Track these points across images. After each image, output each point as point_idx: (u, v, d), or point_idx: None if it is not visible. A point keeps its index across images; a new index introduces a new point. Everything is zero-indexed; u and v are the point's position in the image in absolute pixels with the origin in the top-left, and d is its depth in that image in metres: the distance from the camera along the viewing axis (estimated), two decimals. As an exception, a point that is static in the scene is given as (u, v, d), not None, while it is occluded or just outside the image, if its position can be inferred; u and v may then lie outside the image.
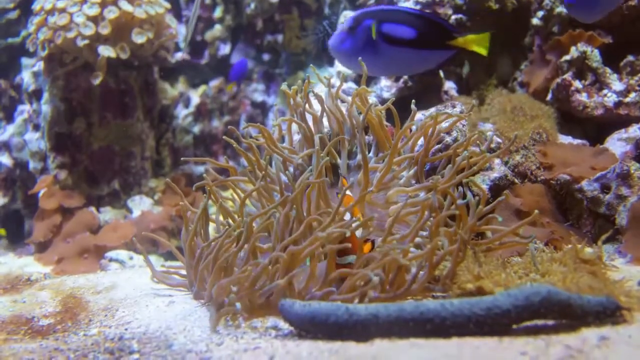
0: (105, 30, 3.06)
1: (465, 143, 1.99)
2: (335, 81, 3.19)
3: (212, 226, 2.10)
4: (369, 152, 2.18)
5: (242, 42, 3.92)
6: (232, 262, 1.74)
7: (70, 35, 3.02)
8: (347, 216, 1.70)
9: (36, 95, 3.43)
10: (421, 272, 1.60)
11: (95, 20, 3.07)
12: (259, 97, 3.88)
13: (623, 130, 2.38)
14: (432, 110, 2.30)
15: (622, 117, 2.48)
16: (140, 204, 3.26)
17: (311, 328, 1.41)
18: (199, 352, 1.41)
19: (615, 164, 2.13)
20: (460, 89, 2.98)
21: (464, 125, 2.22)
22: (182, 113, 3.76)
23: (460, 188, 1.83)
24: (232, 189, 2.20)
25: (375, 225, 1.91)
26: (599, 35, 2.61)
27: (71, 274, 2.64)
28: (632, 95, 2.48)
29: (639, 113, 2.46)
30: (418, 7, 3.03)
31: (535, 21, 2.84)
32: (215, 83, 3.86)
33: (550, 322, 1.36)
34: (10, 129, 3.58)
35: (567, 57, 2.61)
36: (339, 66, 3.31)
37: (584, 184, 2.16)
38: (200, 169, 3.62)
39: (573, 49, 2.60)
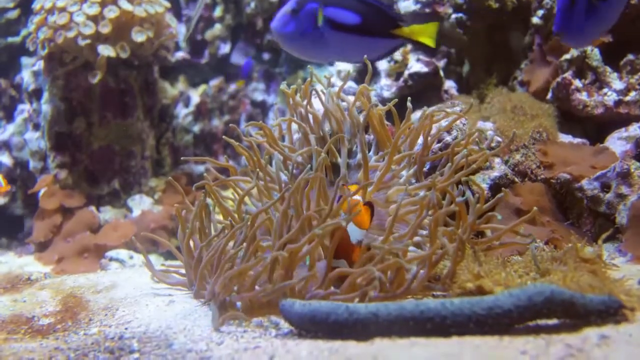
0: (105, 29, 3.06)
1: (465, 141, 1.99)
2: (335, 80, 3.21)
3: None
4: (369, 151, 2.18)
5: (242, 42, 3.92)
6: (233, 262, 1.74)
7: (71, 34, 3.02)
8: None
9: (36, 94, 3.43)
10: (421, 271, 1.60)
11: (95, 19, 3.07)
12: (259, 97, 3.88)
13: (623, 129, 2.38)
14: (433, 109, 2.30)
15: (622, 116, 2.47)
16: (140, 204, 3.26)
17: (311, 327, 1.41)
18: (199, 352, 1.41)
19: (616, 162, 2.13)
20: (460, 88, 2.98)
21: (464, 125, 2.22)
22: (182, 112, 3.76)
23: (460, 187, 1.83)
24: (232, 189, 2.20)
25: (376, 225, 1.91)
26: (599, 34, 2.61)
27: (71, 273, 2.64)
28: (632, 94, 2.48)
29: (639, 112, 2.46)
30: (418, 5, 3.03)
31: (535, 20, 2.83)
32: (215, 82, 3.86)
33: (551, 321, 1.36)
34: (11, 128, 3.58)
35: (567, 56, 2.61)
36: (339, 65, 3.31)
37: (584, 182, 2.16)
38: (201, 168, 3.62)
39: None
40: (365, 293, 1.56)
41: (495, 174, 2.18)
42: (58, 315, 1.85)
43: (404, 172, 2.04)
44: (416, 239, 1.82)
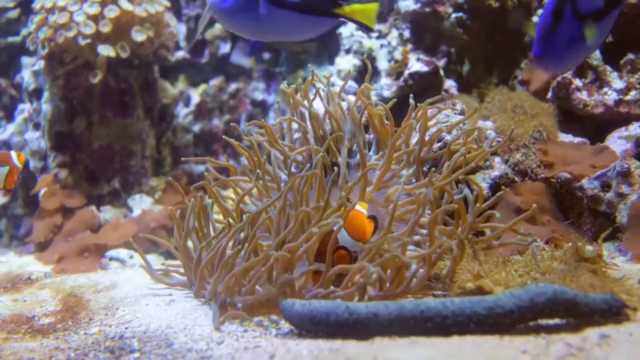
0: (105, 29, 3.06)
1: (463, 139, 1.99)
2: (335, 79, 3.21)
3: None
4: (369, 151, 2.18)
5: (243, 41, 3.92)
6: (233, 262, 1.74)
7: (71, 34, 3.02)
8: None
9: (36, 94, 3.43)
10: (420, 270, 1.60)
11: (96, 19, 3.07)
12: (259, 96, 3.88)
13: (623, 128, 2.38)
14: (433, 109, 2.30)
15: (622, 115, 2.47)
16: (140, 203, 3.26)
17: (312, 327, 1.41)
18: (199, 351, 1.41)
19: (616, 162, 2.13)
20: (460, 88, 2.98)
21: (464, 124, 2.21)
22: (183, 112, 3.76)
23: (460, 185, 1.83)
24: (233, 189, 2.20)
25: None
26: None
27: (71, 272, 2.64)
28: (633, 93, 2.48)
29: (639, 111, 2.46)
30: (418, 5, 3.03)
31: (536, 19, 2.83)
32: (215, 82, 3.85)
33: (552, 321, 1.36)
34: (11, 127, 3.59)
35: (567, 55, 2.61)
36: (339, 64, 3.31)
37: (584, 182, 2.16)
38: (201, 167, 3.62)
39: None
40: (363, 288, 1.56)
41: (495, 173, 2.18)
42: (58, 314, 1.85)
43: (404, 172, 2.04)
44: (416, 238, 1.82)
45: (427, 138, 2.05)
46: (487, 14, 2.93)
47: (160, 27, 3.29)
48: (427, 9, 3.02)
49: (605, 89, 2.52)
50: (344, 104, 2.24)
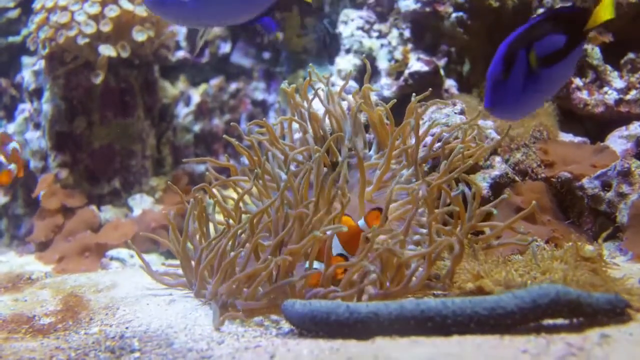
0: (106, 28, 3.05)
1: (461, 138, 1.99)
2: (335, 79, 3.21)
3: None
4: (369, 150, 2.18)
5: (243, 41, 3.92)
6: (234, 262, 1.74)
7: (72, 33, 3.02)
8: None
9: (37, 94, 3.43)
10: (420, 269, 1.60)
11: (96, 18, 3.07)
12: (259, 96, 3.88)
13: (624, 127, 2.38)
14: (433, 108, 2.30)
15: (622, 114, 2.47)
16: (141, 203, 3.26)
17: (312, 327, 1.41)
18: (199, 351, 1.41)
19: (616, 161, 2.13)
20: (460, 87, 2.98)
21: (464, 123, 2.21)
22: (183, 112, 3.76)
23: (459, 185, 1.82)
24: (233, 189, 2.20)
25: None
26: (599, 33, 2.61)
27: (72, 272, 2.64)
28: (633, 92, 2.48)
29: (640, 110, 2.46)
30: (419, 5, 3.03)
31: (535, 19, 2.83)
32: (216, 82, 3.85)
33: (552, 320, 1.36)
34: (11, 127, 3.59)
35: (567, 55, 2.61)
36: (339, 64, 3.31)
37: (584, 181, 2.16)
38: (201, 167, 3.62)
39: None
40: (362, 287, 1.57)
41: (495, 172, 2.18)
42: (59, 314, 1.85)
43: (404, 172, 2.04)
44: (416, 237, 1.82)
45: (429, 139, 2.05)
46: (487, 13, 2.93)
47: (160, 26, 3.29)
48: (428, 9, 3.02)
49: (605, 89, 2.52)
50: (345, 104, 2.24)
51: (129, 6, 3.10)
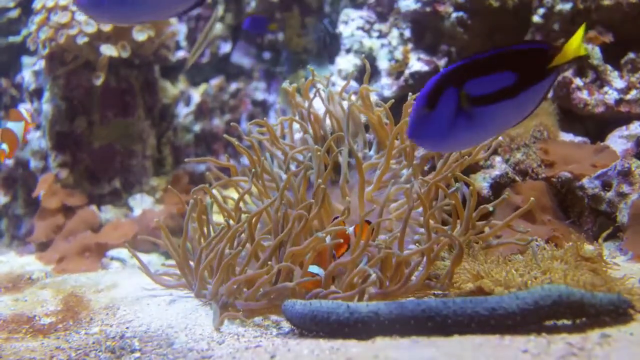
0: (106, 28, 3.05)
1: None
2: (336, 79, 3.21)
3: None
4: (369, 150, 2.18)
5: (243, 41, 3.92)
6: (234, 263, 1.74)
7: (72, 32, 3.02)
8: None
9: (37, 94, 3.43)
10: (420, 268, 1.60)
11: (96, 18, 3.07)
12: (259, 96, 3.88)
13: (624, 127, 2.37)
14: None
15: (623, 114, 2.47)
16: (141, 203, 3.26)
17: (313, 327, 1.41)
18: (200, 351, 1.41)
19: (616, 161, 2.13)
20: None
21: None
22: (183, 112, 3.76)
23: (456, 184, 1.82)
24: (235, 189, 2.20)
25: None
26: (599, 33, 2.61)
27: (72, 272, 2.64)
28: (633, 92, 2.48)
29: (640, 110, 2.46)
30: (419, 4, 3.03)
31: (536, 19, 2.83)
32: (216, 82, 3.86)
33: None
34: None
35: (568, 55, 2.61)
36: (339, 64, 3.31)
37: (585, 181, 2.16)
38: (202, 167, 3.62)
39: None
40: (362, 291, 1.57)
41: (496, 172, 2.18)
42: (59, 314, 1.85)
43: (404, 171, 2.04)
44: (416, 237, 1.82)
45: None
46: (487, 13, 2.93)
47: (160, 26, 3.29)
48: (428, 9, 3.01)
49: (605, 88, 2.52)
50: (345, 104, 2.24)
51: (129, 6, 3.10)
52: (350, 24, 3.38)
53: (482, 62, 1.36)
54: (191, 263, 1.96)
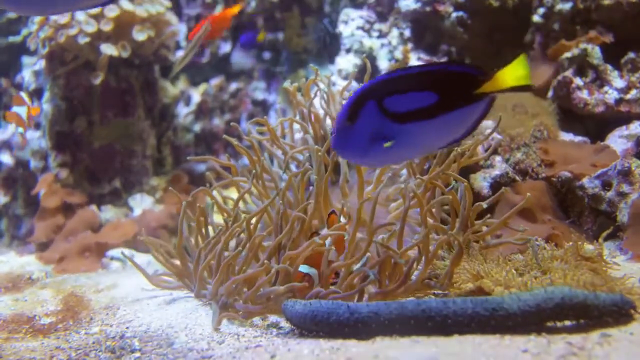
0: (107, 27, 3.06)
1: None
2: (336, 79, 3.21)
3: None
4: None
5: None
6: (232, 263, 1.74)
7: (72, 32, 3.02)
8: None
9: (37, 94, 3.43)
10: (420, 267, 1.61)
11: (97, 18, 3.07)
12: (259, 96, 3.88)
13: (624, 127, 2.37)
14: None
15: (623, 114, 2.47)
16: (141, 203, 3.26)
17: (313, 327, 1.41)
18: (200, 351, 1.41)
19: (617, 161, 2.13)
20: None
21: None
22: (183, 111, 3.76)
23: (453, 183, 1.83)
24: (236, 189, 2.20)
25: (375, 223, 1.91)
26: (599, 33, 2.61)
27: (72, 272, 2.64)
28: (633, 92, 2.47)
29: (640, 110, 2.46)
30: (419, 4, 3.03)
31: (536, 18, 2.83)
32: (216, 81, 3.86)
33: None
34: (11, 127, 3.58)
35: (568, 55, 2.61)
36: (340, 64, 3.31)
37: (585, 181, 2.16)
38: (202, 167, 3.62)
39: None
40: (362, 290, 1.57)
41: (496, 172, 2.18)
42: (59, 314, 1.85)
43: (404, 171, 2.04)
44: (416, 237, 1.82)
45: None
46: (487, 13, 2.93)
47: (161, 26, 3.29)
48: (428, 8, 3.02)
49: (605, 88, 2.52)
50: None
51: (129, 7, 3.10)
52: (350, 24, 3.38)
53: (405, 79, 1.32)
54: (189, 265, 1.96)
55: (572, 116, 2.60)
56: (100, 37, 3.10)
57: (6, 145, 3.56)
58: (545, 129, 2.39)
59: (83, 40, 3.03)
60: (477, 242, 1.73)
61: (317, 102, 2.24)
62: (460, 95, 1.30)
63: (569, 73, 2.58)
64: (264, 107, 3.88)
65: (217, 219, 2.15)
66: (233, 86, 3.88)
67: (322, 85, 2.24)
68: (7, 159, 3.53)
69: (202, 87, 3.83)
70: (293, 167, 2.19)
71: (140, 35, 3.14)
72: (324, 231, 1.71)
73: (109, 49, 3.07)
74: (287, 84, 2.26)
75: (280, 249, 1.74)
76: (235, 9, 3.29)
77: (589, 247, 1.62)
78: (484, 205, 1.69)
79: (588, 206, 2.16)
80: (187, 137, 3.72)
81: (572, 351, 1.15)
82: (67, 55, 3.16)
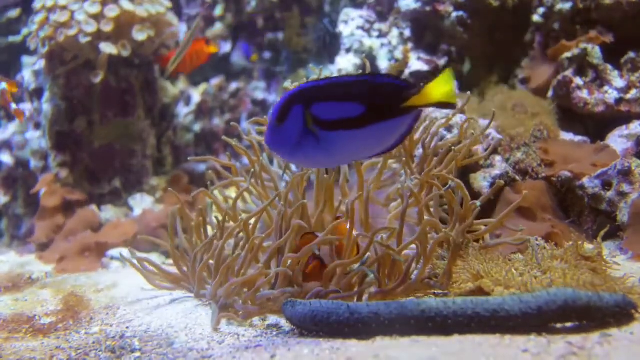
0: (107, 27, 3.05)
1: (458, 136, 1.99)
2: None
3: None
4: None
5: (243, 41, 3.92)
6: (232, 264, 1.74)
7: (72, 32, 3.02)
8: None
9: (37, 93, 3.43)
10: (418, 266, 1.61)
11: (97, 18, 3.07)
12: (260, 95, 3.88)
13: (624, 126, 2.37)
14: (431, 109, 2.30)
15: (623, 113, 2.47)
16: (141, 203, 3.26)
17: (313, 327, 1.41)
18: (200, 350, 1.41)
19: (617, 160, 2.13)
20: (461, 87, 2.98)
21: (462, 120, 2.21)
22: (183, 111, 3.76)
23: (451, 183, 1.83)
24: (237, 189, 2.20)
25: (375, 223, 1.91)
26: (599, 33, 2.61)
27: (72, 272, 2.64)
28: (633, 92, 2.47)
29: (640, 110, 2.46)
30: (419, 4, 3.03)
31: (536, 18, 2.83)
32: (216, 81, 3.86)
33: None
34: (12, 127, 3.59)
35: (568, 54, 2.61)
36: (340, 64, 3.31)
37: (585, 180, 2.16)
38: (202, 167, 3.62)
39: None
40: (362, 290, 1.57)
41: (496, 172, 2.18)
42: (59, 314, 1.85)
43: (404, 171, 2.04)
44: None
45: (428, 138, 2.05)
46: (487, 13, 2.93)
47: (161, 26, 3.29)
48: (428, 8, 3.02)
49: (605, 88, 2.52)
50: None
51: (129, 7, 3.10)
52: (350, 24, 3.38)
53: (334, 87, 1.33)
54: (184, 269, 1.96)
55: (572, 116, 2.60)
56: (100, 36, 3.09)
57: (6, 145, 3.56)
58: (545, 129, 2.39)
59: (84, 40, 3.03)
60: (477, 242, 1.73)
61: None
62: (387, 108, 1.31)
63: (569, 73, 2.58)
64: (264, 107, 3.87)
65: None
66: (233, 86, 3.88)
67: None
68: (7, 158, 3.53)
69: (202, 87, 3.83)
70: (293, 167, 2.18)
71: (140, 35, 3.14)
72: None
73: (108, 48, 3.07)
74: (287, 83, 2.26)
75: (280, 252, 1.74)
76: (212, 49, 3.33)
77: (589, 247, 1.62)
78: (478, 203, 1.69)
79: (588, 206, 2.16)
80: (187, 137, 3.72)
81: (572, 351, 1.15)
82: (67, 55, 3.16)
